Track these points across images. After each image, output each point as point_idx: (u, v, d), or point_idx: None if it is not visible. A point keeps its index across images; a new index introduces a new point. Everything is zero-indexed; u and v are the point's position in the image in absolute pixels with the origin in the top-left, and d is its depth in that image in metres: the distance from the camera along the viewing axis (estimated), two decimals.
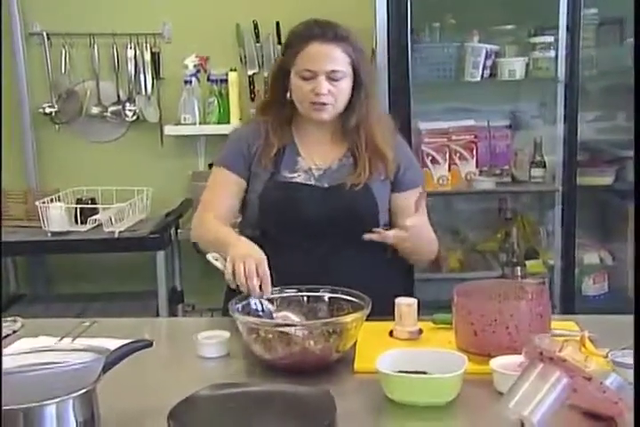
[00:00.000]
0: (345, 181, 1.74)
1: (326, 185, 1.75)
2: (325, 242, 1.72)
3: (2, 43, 3.04)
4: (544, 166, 2.87)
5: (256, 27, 3.13)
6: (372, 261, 1.73)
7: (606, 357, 1.30)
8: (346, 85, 1.69)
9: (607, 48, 2.87)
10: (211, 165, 2.52)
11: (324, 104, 1.68)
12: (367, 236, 1.64)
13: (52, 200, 2.87)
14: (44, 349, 1.19)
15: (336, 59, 1.67)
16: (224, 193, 1.79)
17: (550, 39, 2.76)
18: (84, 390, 1.09)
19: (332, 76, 1.67)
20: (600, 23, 2.83)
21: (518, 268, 2.90)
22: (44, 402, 1.05)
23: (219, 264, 1.53)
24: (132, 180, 3.07)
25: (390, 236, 1.65)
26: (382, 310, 1.49)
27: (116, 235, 2.78)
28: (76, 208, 2.89)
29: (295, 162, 1.77)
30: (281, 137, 1.76)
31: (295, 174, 1.76)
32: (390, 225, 1.77)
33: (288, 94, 1.74)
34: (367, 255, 1.72)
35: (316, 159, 1.78)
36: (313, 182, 1.75)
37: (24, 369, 1.09)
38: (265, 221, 1.75)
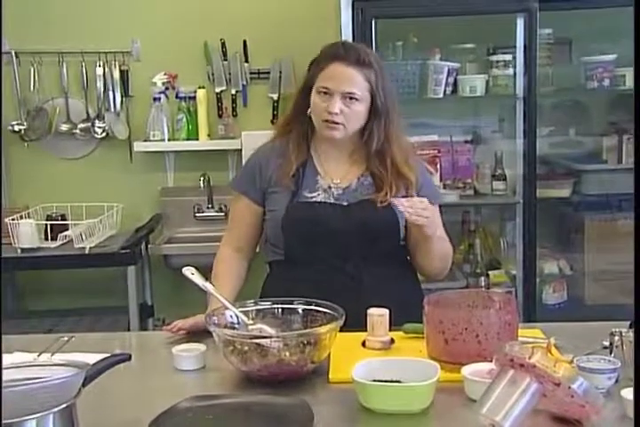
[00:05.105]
0: (364, 199, 1.75)
1: (345, 203, 1.76)
2: (352, 257, 1.74)
3: None
4: (505, 179, 2.95)
5: (223, 45, 3.16)
6: (398, 274, 1.75)
7: (571, 362, 1.32)
8: (360, 109, 1.70)
9: (559, 66, 2.96)
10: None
11: (336, 123, 1.70)
12: (394, 200, 1.63)
13: (21, 217, 2.86)
14: (23, 364, 1.18)
15: (354, 82, 1.68)
16: (244, 226, 1.84)
17: (508, 57, 2.84)
18: (64, 405, 1.08)
19: (347, 97, 1.68)
20: (553, 43, 2.92)
21: (482, 278, 2.98)
22: (25, 417, 1.04)
23: (195, 279, 1.55)
24: (102, 196, 3.08)
25: (405, 203, 1.60)
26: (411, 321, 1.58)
27: (87, 251, 2.78)
28: (46, 224, 2.89)
29: (315, 181, 1.78)
30: (299, 154, 1.78)
31: (315, 193, 1.77)
32: (405, 240, 1.79)
33: (309, 111, 1.76)
34: (393, 268, 1.75)
35: (334, 177, 1.79)
36: (332, 201, 1.77)
37: (5, 385, 1.06)
38: (290, 242, 1.76)
